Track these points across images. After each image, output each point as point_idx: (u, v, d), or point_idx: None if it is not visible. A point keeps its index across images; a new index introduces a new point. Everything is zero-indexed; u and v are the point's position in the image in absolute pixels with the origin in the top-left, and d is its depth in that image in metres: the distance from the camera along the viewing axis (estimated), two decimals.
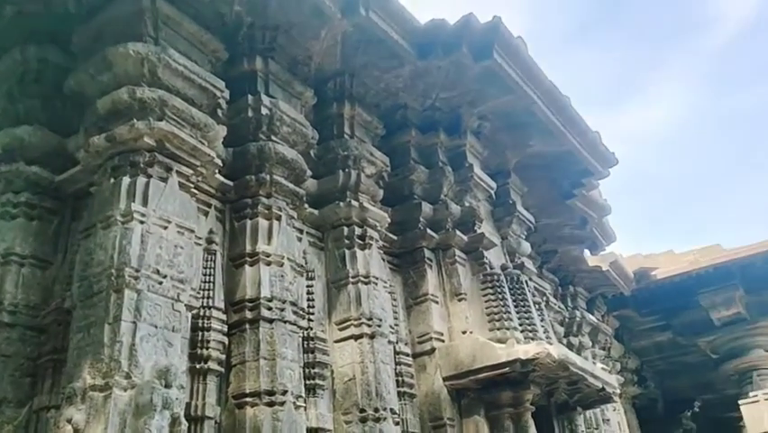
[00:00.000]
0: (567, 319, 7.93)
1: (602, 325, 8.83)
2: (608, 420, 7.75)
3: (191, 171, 3.60)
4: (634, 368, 10.54)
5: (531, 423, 4.48)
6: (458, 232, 5.10)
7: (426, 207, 5.05)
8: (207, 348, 3.41)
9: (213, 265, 3.72)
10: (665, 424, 12.76)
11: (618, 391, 8.66)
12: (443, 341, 4.70)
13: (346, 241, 4.45)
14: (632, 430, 9.45)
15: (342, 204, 4.47)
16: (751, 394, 8.92)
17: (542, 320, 5.41)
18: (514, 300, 5.03)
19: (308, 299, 4.15)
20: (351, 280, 4.29)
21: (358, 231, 4.48)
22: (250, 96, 4.11)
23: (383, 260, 4.74)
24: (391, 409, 3.98)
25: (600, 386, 4.98)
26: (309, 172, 4.36)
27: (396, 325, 4.57)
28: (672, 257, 9.59)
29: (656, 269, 8.96)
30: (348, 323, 4.18)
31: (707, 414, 13.35)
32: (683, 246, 9.59)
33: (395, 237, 4.97)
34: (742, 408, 8.99)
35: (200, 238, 3.69)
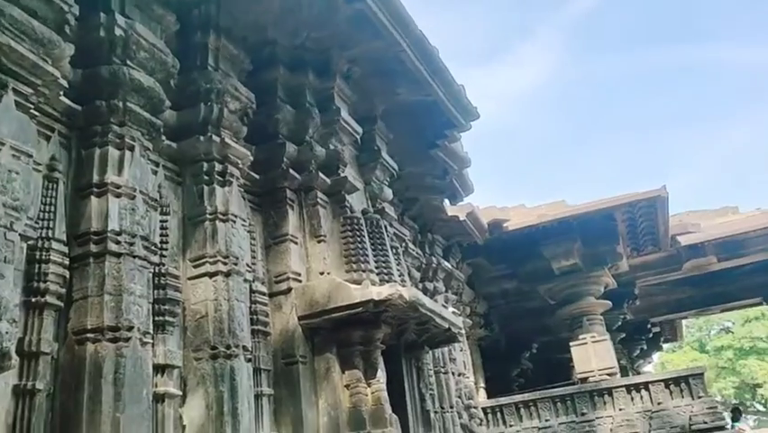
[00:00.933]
0: (424, 265, 8.31)
1: (456, 271, 9.34)
2: (455, 359, 8.31)
3: (31, 91, 3.29)
4: (482, 312, 11.32)
5: (380, 360, 4.70)
6: (321, 174, 5.12)
7: (291, 148, 5.01)
8: (45, 282, 3.22)
9: (54, 195, 3.47)
10: (506, 363, 13.92)
11: (464, 332, 9.29)
12: (300, 281, 4.76)
13: (205, 177, 4.32)
14: (476, 368, 10.21)
15: (202, 138, 4.32)
16: (581, 337, 9.90)
17: (398, 264, 5.63)
18: (372, 244, 5.18)
19: (162, 235, 4.01)
20: (208, 216, 4.20)
21: (218, 167, 4.36)
22: (102, 15, 3.80)
23: (243, 198, 4.67)
24: (243, 347, 4.00)
25: (447, 327, 5.31)
26: (168, 103, 4.16)
27: (253, 264, 4.56)
28: (523, 210, 10.27)
29: (508, 221, 9.56)
30: (203, 260, 4.11)
31: (543, 355, 14.71)
32: (536, 201, 10.29)
33: (257, 176, 4.90)
34: (572, 349, 9.99)
35: (40, 164, 3.42)
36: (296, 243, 4.89)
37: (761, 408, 36.26)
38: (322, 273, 4.85)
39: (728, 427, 7.87)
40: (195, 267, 4.11)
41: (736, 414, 14.55)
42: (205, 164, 4.32)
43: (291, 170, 4.99)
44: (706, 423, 7.72)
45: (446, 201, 8.22)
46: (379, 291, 4.46)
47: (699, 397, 8.06)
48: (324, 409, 4.45)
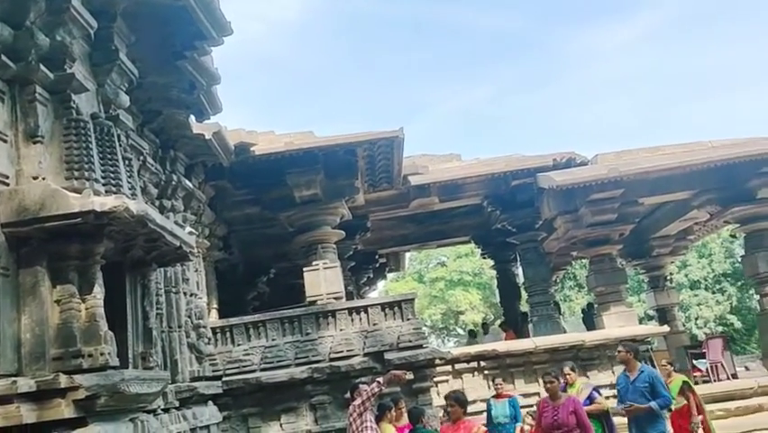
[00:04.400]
0: (163, 182, 7.93)
1: (198, 192, 9.09)
2: (188, 280, 8.20)
3: None
4: (221, 235, 11.24)
5: (99, 275, 4.43)
6: (43, 67, 4.51)
7: (5, 31, 4.31)
8: None
9: None
10: (242, 286, 14.12)
11: (201, 253, 9.19)
12: (7, 184, 4.21)
13: None
14: (210, 289, 10.18)
15: None
16: (314, 263, 10.42)
17: (130, 177, 5.29)
18: (101, 152, 4.77)
19: None
20: None
21: None
22: None
23: None
24: None
25: (179, 245, 5.18)
26: None
27: None
28: (272, 137, 10.30)
29: (255, 145, 9.52)
30: None
31: (279, 279, 15.24)
32: (287, 130, 10.35)
33: None
34: (305, 274, 10.47)
35: None
36: (5, 141, 4.29)
37: (461, 331, 42.11)
38: (36, 178, 4.35)
39: (427, 346, 9.02)
40: None
41: (473, 336, 16.75)
42: None
43: (4, 57, 4.31)
44: (411, 341, 8.78)
45: (192, 118, 7.85)
46: (102, 202, 4.15)
47: (408, 319, 9.10)
48: (28, 325, 4.08)
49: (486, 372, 11.03)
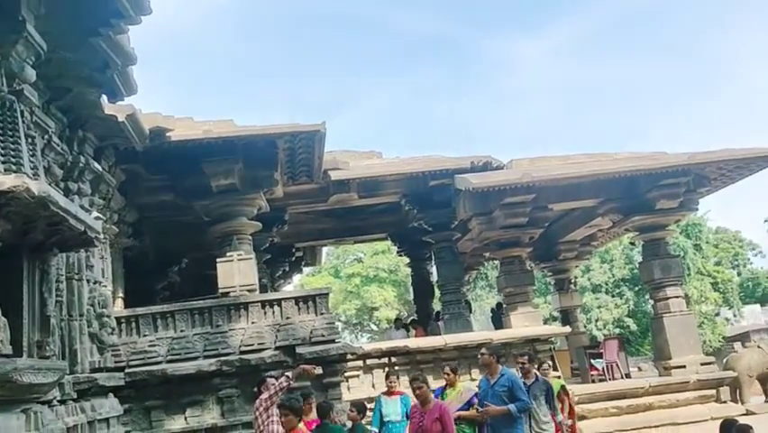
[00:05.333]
0: (69, 163, 7.55)
1: (107, 175, 8.71)
2: (92, 266, 7.85)
3: None
4: (132, 221, 10.83)
5: None
6: None
7: None
8: None
9: None
10: (152, 275, 13.69)
11: (107, 240, 8.82)
12: None
13: None
14: (116, 277, 9.79)
15: None
16: (228, 254, 10.22)
17: (33, 156, 5.01)
18: (1, 128, 4.50)
19: None
20: None
21: None
22: None
23: None
24: None
25: (83, 230, 4.95)
26: None
27: None
28: (189, 123, 10.01)
29: (172, 131, 9.22)
30: None
31: (192, 269, 14.86)
32: (206, 118, 10.08)
33: None
34: (218, 265, 10.26)
35: None
36: None
37: (374, 327, 42.49)
38: None
39: (340, 340, 9.05)
40: None
41: (398, 323, 16.85)
42: None
43: None
44: (323, 336, 8.79)
45: (105, 98, 7.52)
46: (1, 181, 3.92)
47: (322, 314, 9.11)
48: None
49: (397, 367, 11.19)
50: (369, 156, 13.24)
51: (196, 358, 8.60)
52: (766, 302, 44.75)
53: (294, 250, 17.14)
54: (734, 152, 11.94)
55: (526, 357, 7.44)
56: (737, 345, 13.25)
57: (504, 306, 13.80)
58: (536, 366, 11.38)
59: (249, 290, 9.90)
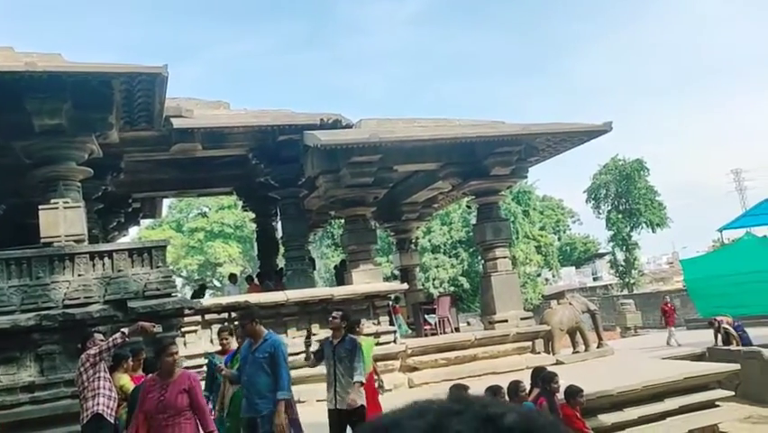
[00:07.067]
0: None
1: None
2: None
3: None
4: None
5: None
6: None
7: None
8: None
9: None
10: None
11: None
12: None
13: None
14: None
15: None
16: (53, 201, 9.41)
17: None
18: None
19: None
20: None
21: None
22: None
23: None
24: None
25: None
26: None
27: None
28: (10, 54, 8.99)
29: None
30: None
31: (9, 218, 13.48)
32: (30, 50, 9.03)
33: None
34: (41, 213, 9.41)
35: None
36: None
37: (218, 283, 41.59)
38: None
39: (176, 295, 8.76)
40: None
41: (202, 291, 16.37)
42: None
43: None
44: (158, 289, 8.45)
45: None
46: None
47: (158, 267, 8.73)
48: None
49: (236, 323, 11.07)
50: (216, 106, 12.73)
51: (12, 312, 7.91)
52: (581, 264, 49.99)
53: (131, 201, 16.15)
54: (560, 126, 13.03)
55: (340, 313, 6.68)
56: (554, 303, 14.63)
57: (347, 263, 14.11)
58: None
59: (76, 241, 9.20)
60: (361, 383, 6.33)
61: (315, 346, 6.89)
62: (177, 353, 5.03)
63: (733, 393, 10.37)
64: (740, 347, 13.33)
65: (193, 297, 13.54)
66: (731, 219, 22.07)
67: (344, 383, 6.30)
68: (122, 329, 6.13)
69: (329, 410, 6.49)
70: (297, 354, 7.88)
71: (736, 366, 10.82)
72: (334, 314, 6.65)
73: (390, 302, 7.57)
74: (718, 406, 9.79)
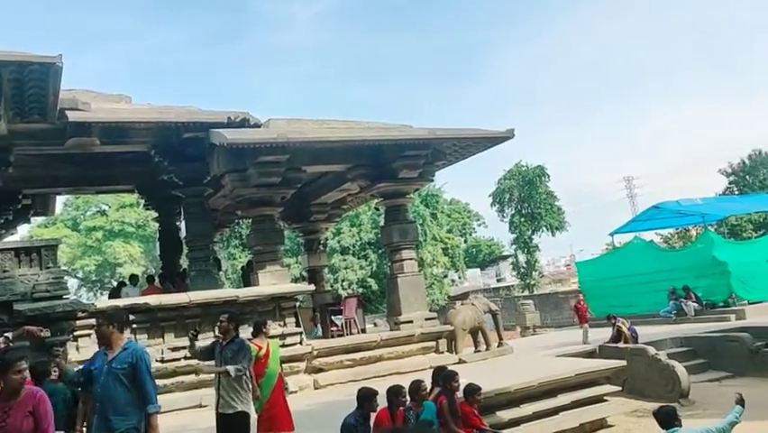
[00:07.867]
0: None
1: None
2: None
3: None
4: None
5: None
6: None
7: None
8: None
9: None
10: None
11: None
12: None
13: None
14: None
15: None
16: None
17: None
18: None
19: None
20: None
21: None
22: None
23: None
24: None
25: None
26: None
27: None
28: None
29: None
30: None
31: None
32: None
33: None
34: None
35: None
36: None
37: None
38: None
39: (68, 297, 8.34)
40: None
41: (119, 289, 15.24)
42: None
43: None
44: (48, 291, 8.01)
45: None
46: None
47: (48, 267, 8.27)
48: None
49: (135, 326, 10.67)
50: (116, 99, 12.20)
51: None
52: (485, 266, 51.61)
53: (21, 197, 15.15)
54: (466, 132, 13.43)
55: (227, 316, 6.52)
56: (458, 304, 15.02)
57: (254, 264, 13.89)
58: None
59: None
60: (239, 370, 6.18)
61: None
62: (25, 370, 4.20)
63: (620, 388, 11.03)
64: (628, 345, 14.20)
65: (110, 296, 12.93)
66: (622, 224, 23.55)
67: (227, 387, 6.21)
68: (5, 334, 5.76)
69: (216, 414, 6.40)
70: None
71: (623, 363, 11.54)
72: (222, 317, 6.52)
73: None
74: (607, 401, 10.39)
